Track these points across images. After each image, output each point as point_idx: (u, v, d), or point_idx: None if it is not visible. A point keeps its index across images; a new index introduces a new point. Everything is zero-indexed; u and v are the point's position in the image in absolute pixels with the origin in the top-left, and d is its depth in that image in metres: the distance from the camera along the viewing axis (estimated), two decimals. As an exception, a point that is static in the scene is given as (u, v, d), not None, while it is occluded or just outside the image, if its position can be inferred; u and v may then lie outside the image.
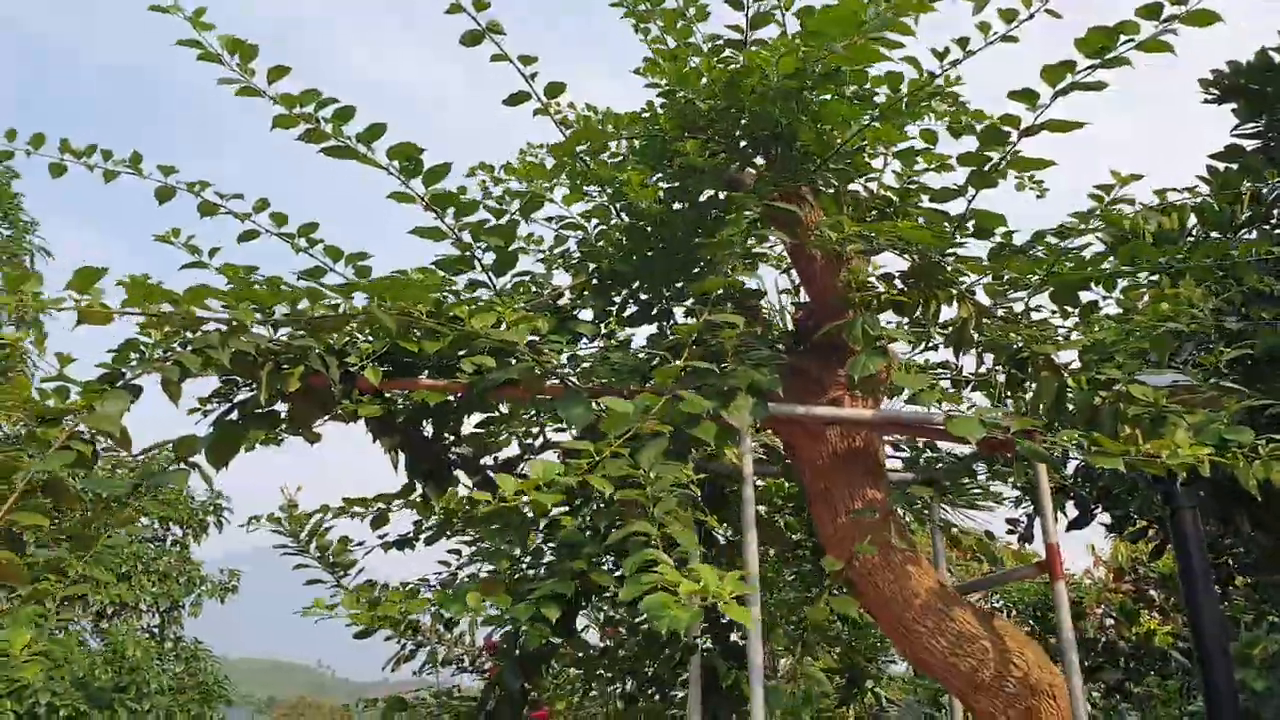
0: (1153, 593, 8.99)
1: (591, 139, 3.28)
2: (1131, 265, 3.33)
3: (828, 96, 2.91)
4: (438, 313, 2.87)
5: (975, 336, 3.27)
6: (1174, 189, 3.79)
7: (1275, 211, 5.87)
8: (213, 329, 2.60)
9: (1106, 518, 7.53)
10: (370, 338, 2.91)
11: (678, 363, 2.67)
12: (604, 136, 3.26)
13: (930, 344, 3.59)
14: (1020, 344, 3.17)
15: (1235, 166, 5.64)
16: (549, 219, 3.58)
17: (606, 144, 3.32)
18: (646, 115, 3.30)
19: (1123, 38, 2.69)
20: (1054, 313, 3.58)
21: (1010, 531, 8.70)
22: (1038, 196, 3.70)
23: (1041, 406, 3.15)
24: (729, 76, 2.94)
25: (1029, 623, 10.76)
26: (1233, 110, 6.16)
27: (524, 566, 3.45)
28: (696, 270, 3.29)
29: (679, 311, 3.51)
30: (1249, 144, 6.15)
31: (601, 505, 2.85)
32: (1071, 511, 7.49)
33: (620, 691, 4.38)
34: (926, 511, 4.25)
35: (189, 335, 2.55)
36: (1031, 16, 2.77)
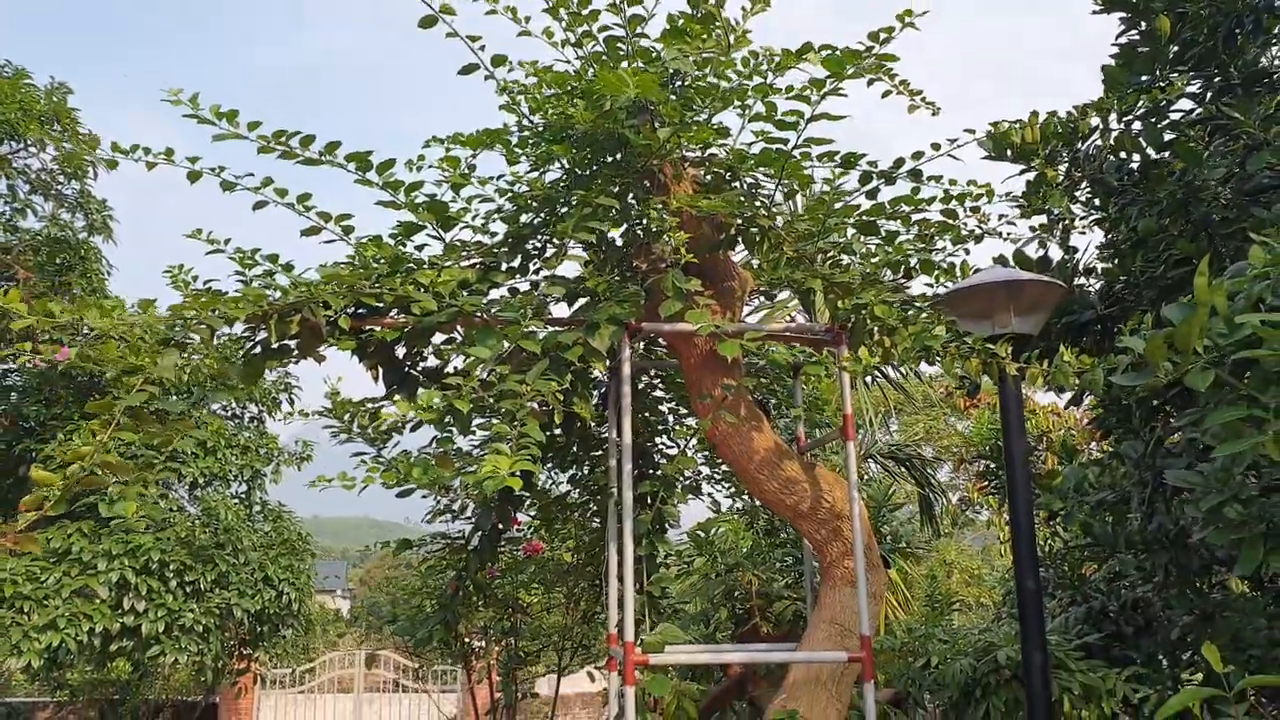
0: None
1: (495, 140, 4.44)
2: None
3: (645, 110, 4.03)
4: (382, 277, 4.10)
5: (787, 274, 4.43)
6: (1015, 119, 4.91)
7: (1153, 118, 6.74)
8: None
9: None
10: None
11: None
12: (504, 137, 4.42)
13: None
14: (800, 275, 4.32)
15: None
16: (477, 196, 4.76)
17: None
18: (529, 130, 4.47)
19: (849, 66, 3.76)
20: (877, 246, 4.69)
21: (959, 387, 9.91)
22: (932, 114, 4.80)
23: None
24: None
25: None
26: (1119, 19, 6.96)
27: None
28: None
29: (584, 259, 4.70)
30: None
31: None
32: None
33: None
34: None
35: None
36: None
